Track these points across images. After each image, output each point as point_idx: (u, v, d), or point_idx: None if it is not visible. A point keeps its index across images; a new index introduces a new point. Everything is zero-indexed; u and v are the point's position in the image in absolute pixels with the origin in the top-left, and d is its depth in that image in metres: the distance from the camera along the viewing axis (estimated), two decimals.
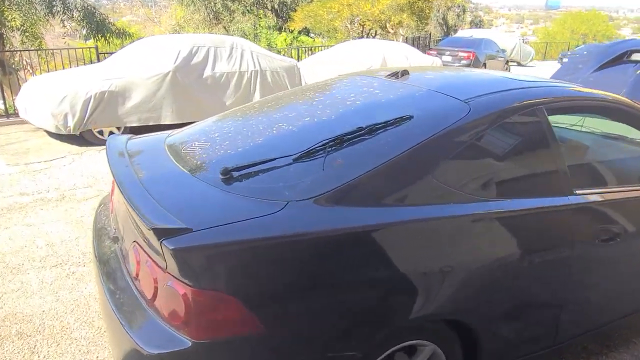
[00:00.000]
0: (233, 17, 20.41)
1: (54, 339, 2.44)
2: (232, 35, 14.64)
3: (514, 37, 26.30)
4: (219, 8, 20.35)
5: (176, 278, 1.34)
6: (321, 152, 1.63)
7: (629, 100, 2.29)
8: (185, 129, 2.28)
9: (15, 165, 5.20)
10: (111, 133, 6.22)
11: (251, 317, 1.34)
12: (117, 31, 14.20)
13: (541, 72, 13.19)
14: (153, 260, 1.43)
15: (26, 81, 7.22)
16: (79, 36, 15.93)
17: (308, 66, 9.20)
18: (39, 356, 2.32)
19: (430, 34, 19.38)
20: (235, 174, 1.60)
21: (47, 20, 12.71)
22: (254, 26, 19.50)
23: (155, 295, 1.42)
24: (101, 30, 13.61)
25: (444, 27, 28.93)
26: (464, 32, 22.95)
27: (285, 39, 19.07)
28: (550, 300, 1.95)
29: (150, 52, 6.65)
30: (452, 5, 28.63)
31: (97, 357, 2.33)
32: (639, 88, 3.98)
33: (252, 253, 1.36)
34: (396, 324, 1.57)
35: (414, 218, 1.56)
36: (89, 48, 8.99)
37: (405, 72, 2.26)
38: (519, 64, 22.61)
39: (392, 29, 17.37)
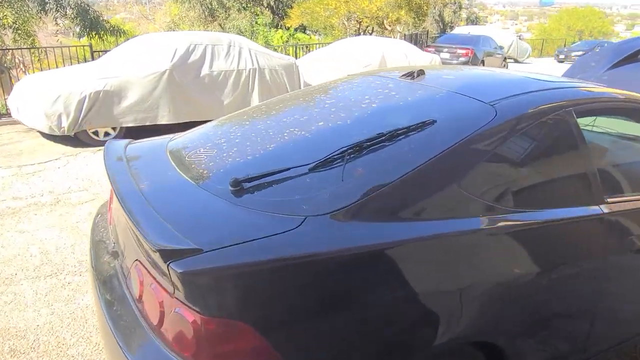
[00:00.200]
0: (229, 14, 20.17)
1: (49, 357, 2.30)
2: (228, 32, 14.45)
3: (511, 34, 26.25)
4: (214, 5, 20.10)
5: (185, 304, 1.21)
6: (339, 160, 1.50)
7: None
8: (188, 134, 2.13)
9: (7, 167, 5.04)
10: (107, 134, 6.07)
11: (269, 348, 1.21)
12: (111, 29, 13.98)
13: (538, 69, 13.12)
14: (158, 283, 1.30)
15: (19, 80, 7.04)
16: (73, 34, 15.67)
17: (306, 64, 9.07)
18: None
19: (427, 31, 19.25)
20: (247, 185, 1.46)
21: (40, 17, 12.48)
22: (251, 23, 19.28)
23: (161, 321, 1.29)
24: (95, 27, 13.40)
25: (440, 24, 28.77)
26: (461, 29, 22.82)
27: (281, 36, 18.89)
28: (580, 315, 1.84)
29: (146, 50, 6.49)
30: (449, 1, 28.50)
31: None
32: None
33: (271, 276, 1.23)
34: (425, 350, 1.44)
35: (444, 233, 1.43)
36: (83, 46, 8.80)
37: (421, 72, 2.14)
38: (516, 61, 22.57)
39: (390, 26, 17.23)
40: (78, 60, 8.22)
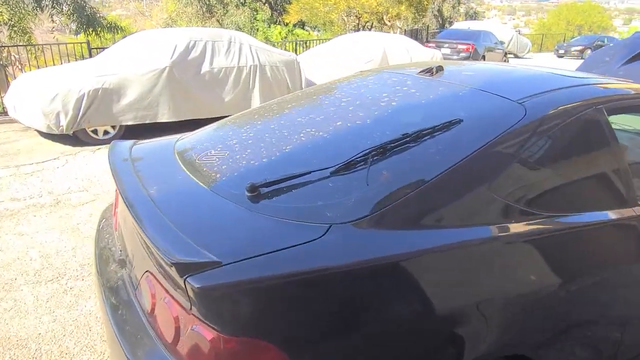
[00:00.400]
0: (227, 10, 19.98)
1: None
2: (227, 29, 14.30)
3: (511, 29, 26.12)
4: (212, 1, 19.91)
5: (203, 321, 1.11)
6: (363, 163, 1.40)
7: None
8: (196, 134, 2.03)
9: (5, 167, 4.92)
10: (106, 132, 5.95)
11: None
12: (108, 25, 13.79)
13: (539, 64, 13.02)
14: (172, 297, 1.20)
15: (15, 78, 6.91)
16: (69, 31, 15.47)
17: (306, 59, 8.95)
18: None
19: (427, 27, 19.12)
20: (264, 190, 1.37)
21: (36, 14, 12.28)
22: (250, 20, 19.10)
23: (177, 339, 1.19)
24: (92, 24, 13.19)
25: (439, 19, 28.62)
26: (460, 24, 22.68)
27: (280, 32, 18.73)
28: (611, 323, 1.75)
29: (145, 47, 6.37)
30: None
31: None
32: None
33: (296, 290, 1.13)
34: None
35: (477, 239, 1.34)
36: (81, 43, 8.66)
37: (440, 68, 2.03)
38: (516, 56, 22.46)
39: (389, 21, 17.09)
40: (75, 58, 8.09)
